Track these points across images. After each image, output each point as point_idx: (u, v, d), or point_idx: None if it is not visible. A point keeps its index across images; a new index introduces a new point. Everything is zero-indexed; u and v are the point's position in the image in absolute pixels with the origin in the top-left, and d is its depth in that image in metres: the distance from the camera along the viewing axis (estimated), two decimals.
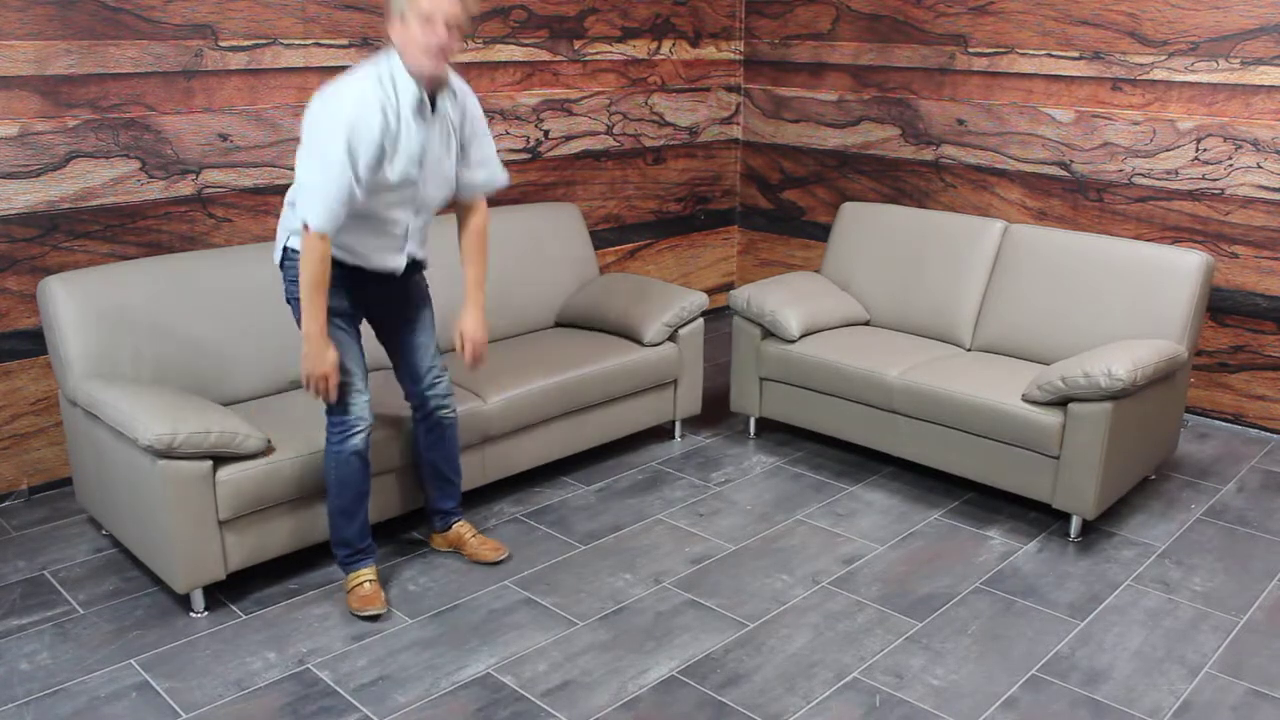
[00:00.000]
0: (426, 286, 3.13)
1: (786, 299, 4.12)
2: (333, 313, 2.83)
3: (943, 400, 3.63)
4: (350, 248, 2.83)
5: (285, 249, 2.88)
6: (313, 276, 2.69)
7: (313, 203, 2.65)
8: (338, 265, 2.81)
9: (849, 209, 4.53)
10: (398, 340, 3.10)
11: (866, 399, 3.85)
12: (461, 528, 3.36)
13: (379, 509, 3.34)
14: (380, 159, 2.67)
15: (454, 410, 3.22)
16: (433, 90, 2.75)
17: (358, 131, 2.61)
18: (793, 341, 4.06)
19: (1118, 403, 3.30)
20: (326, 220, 2.65)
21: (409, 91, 2.67)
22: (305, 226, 2.67)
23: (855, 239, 4.46)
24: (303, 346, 2.77)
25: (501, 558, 3.30)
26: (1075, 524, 3.49)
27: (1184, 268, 3.65)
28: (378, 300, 3.00)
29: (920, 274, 4.23)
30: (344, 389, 2.88)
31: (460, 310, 3.10)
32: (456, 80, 2.85)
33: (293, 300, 2.88)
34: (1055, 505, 3.46)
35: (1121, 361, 3.27)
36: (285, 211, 2.88)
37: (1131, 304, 3.70)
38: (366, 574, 3.05)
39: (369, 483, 3.03)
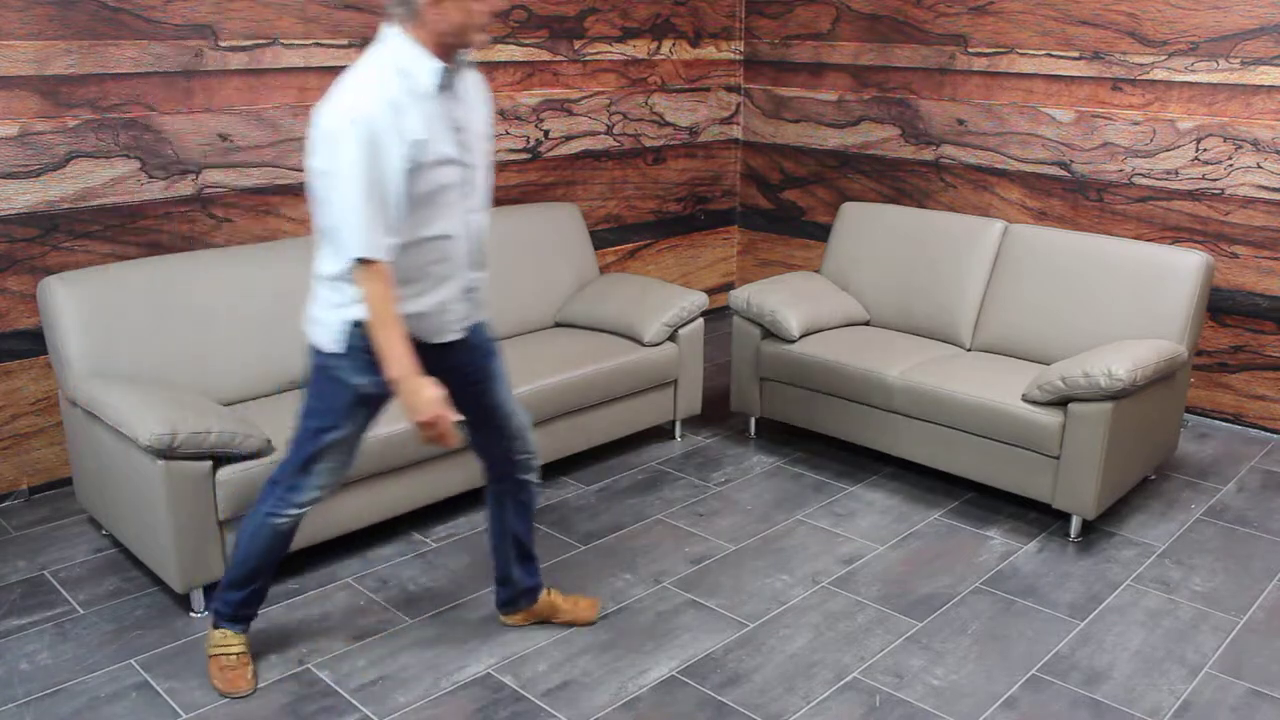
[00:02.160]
0: (491, 333, 2.71)
1: (786, 299, 4.12)
2: (369, 397, 2.51)
3: (943, 400, 3.63)
4: (436, 308, 2.48)
5: (350, 325, 2.41)
6: (382, 314, 2.32)
7: (350, 229, 2.28)
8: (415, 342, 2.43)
9: (849, 209, 4.53)
10: (472, 407, 2.66)
11: (866, 399, 3.85)
12: (551, 596, 2.99)
13: (378, 509, 3.34)
14: (412, 153, 2.30)
15: (538, 470, 2.85)
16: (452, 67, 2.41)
17: (374, 135, 2.25)
18: (793, 341, 4.06)
19: (1118, 403, 3.30)
20: (371, 242, 2.27)
21: (433, 71, 2.32)
22: (356, 263, 2.30)
23: (855, 239, 4.45)
24: (402, 397, 2.38)
25: (600, 613, 3.03)
26: (1075, 524, 3.49)
27: (1184, 268, 3.65)
28: (440, 373, 2.48)
29: (920, 274, 4.23)
30: (321, 454, 2.56)
31: None
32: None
33: (340, 373, 2.48)
34: (1055, 505, 3.46)
35: (1121, 361, 3.27)
36: (323, 290, 2.47)
37: (1131, 304, 3.70)
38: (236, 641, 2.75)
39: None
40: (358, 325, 2.40)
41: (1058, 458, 3.42)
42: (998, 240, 4.10)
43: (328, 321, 2.46)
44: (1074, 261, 3.87)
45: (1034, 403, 3.45)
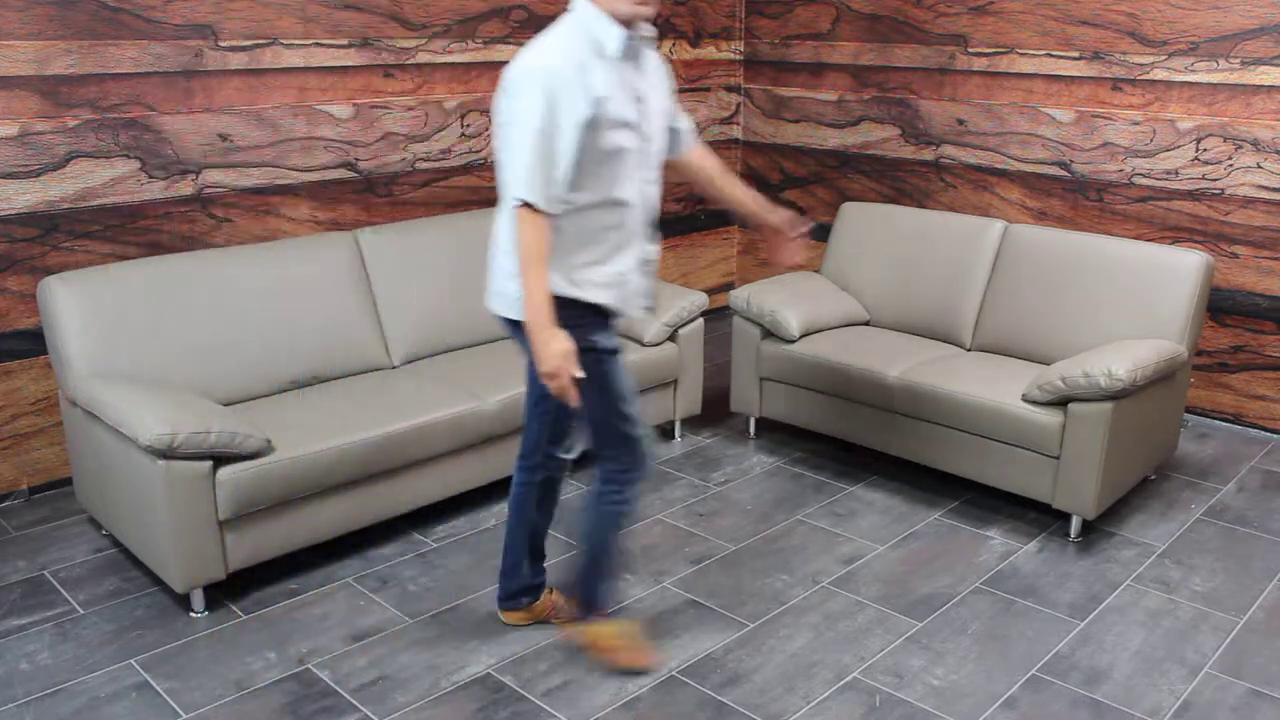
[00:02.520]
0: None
1: (786, 299, 4.12)
2: (609, 350, 2.57)
3: (942, 400, 3.63)
4: (616, 279, 2.55)
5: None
6: (532, 255, 2.36)
7: (517, 173, 2.35)
8: (605, 313, 2.56)
9: (849, 209, 4.53)
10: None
11: (866, 399, 3.84)
12: (553, 596, 3.00)
13: (378, 509, 3.34)
14: (593, 109, 2.36)
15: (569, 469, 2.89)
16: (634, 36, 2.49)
17: (556, 88, 2.32)
18: (793, 341, 4.06)
19: (1118, 403, 3.30)
20: (534, 187, 2.33)
21: (618, 36, 2.40)
22: (518, 207, 2.36)
23: (855, 239, 4.45)
24: (534, 344, 2.41)
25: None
26: (1075, 524, 3.49)
27: (1184, 268, 3.65)
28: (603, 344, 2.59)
29: (920, 274, 4.23)
30: (572, 420, 2.66)
31: (754, 222, 2.88)
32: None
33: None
34: (1055, 505, 3.46)
35: (1121, 361, 3.27)
36: (503, 259, 2.56)
37: (1131, 304, 3.70)
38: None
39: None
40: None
41: (1058, 458, 3.42)
42: (998, 240, 4.09)
43: (509, 291, 2.53)
44: (1074, 261, 3.87)
45: (1034, 403, 3.45)
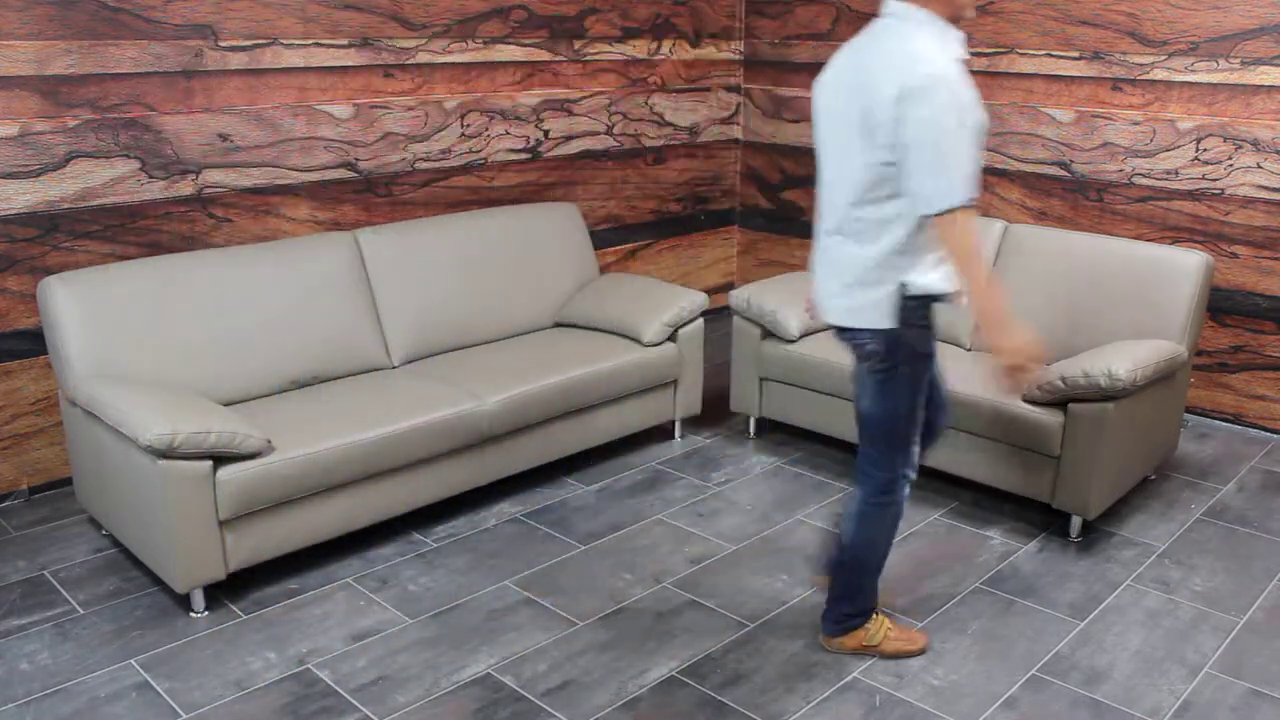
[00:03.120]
0: None
1: (787, 299, 4.12)
2: (928, 358, 2.60)
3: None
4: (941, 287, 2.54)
5: (904, 301, 2.49)
6: (980, 251, 2.39)
7: (957, 175, 2.33)
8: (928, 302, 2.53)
9: None
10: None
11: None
12: (880, 620, 2.91)
13: (378, 509, 3.34)
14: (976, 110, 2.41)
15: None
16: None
17: (959, 91, 2.33)
18: (793, 341, 4.06)
19: (1118, 403, 3.30)
20: (973, 188, 2.36)
21: (961, 40, 2.46)
22: (951, 212, 2.33)
23: None
24: (1002, 336, 2.42)
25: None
26: (1075, 524, 3.49)
27: (1184, 268, 3.65)
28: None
29: None
30: (912, 434, 2.65)
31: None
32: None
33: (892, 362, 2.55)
34: (1055, 505, 3.46)
35: (1122, 361, 3.27)
36: (869, 272, 2.51)
37: (1131, 304, 3.70)
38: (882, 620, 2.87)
39: None
40: (912, 294, 2.49)
41: (1058, 458, 3.41)
42: (998, 240, 4.09)
43: (880, 299, 2.51)
44: (1074, 261, 3.86)
45: (1034, 403, 3.45)
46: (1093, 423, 3.32)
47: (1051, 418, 3.40)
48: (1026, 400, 3.46)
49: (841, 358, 3.91)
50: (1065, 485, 3.42)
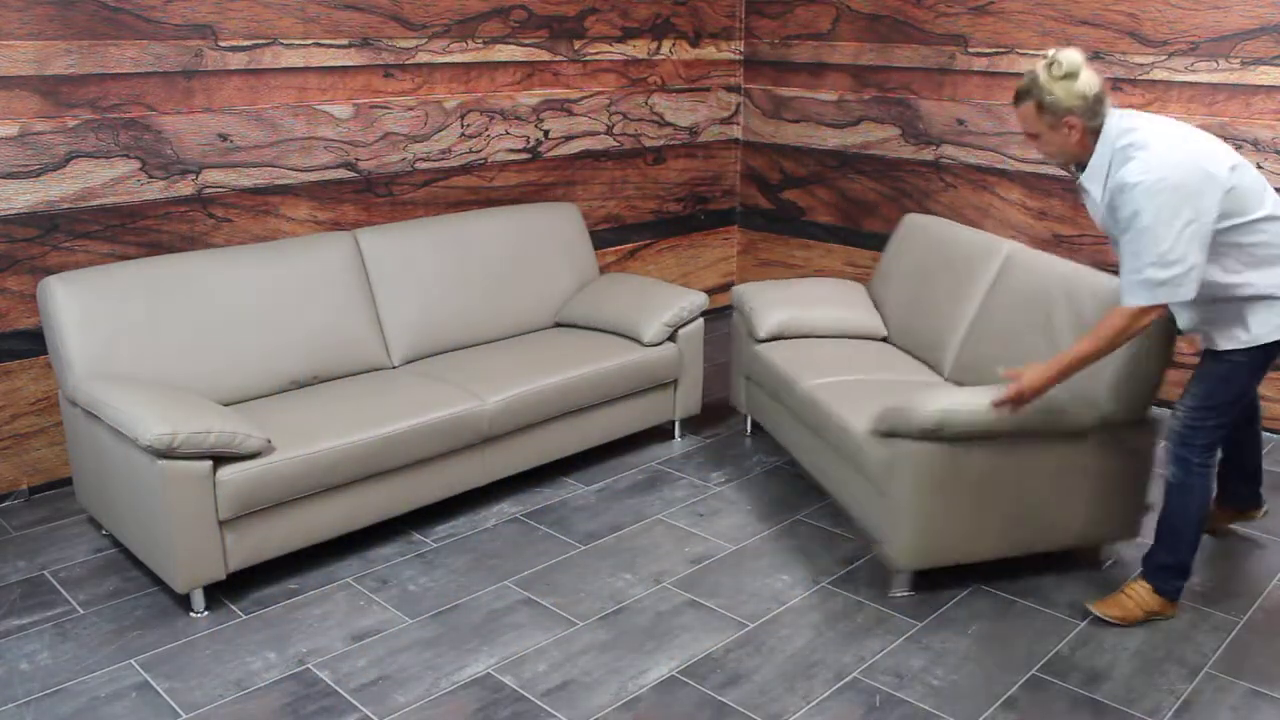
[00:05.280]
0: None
1: (775, 300, 4.09)
2: None
3: (821, 416, 3.45)
4: None
5: None
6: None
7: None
8: None
9: (911, 221, 4.26)
10: None
11: (788, 405, 3.75)
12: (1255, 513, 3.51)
13: (378, 509, 3.34)
14: None
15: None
16: (1080, 166, 2.87)
17: None
18: (760, 341, 4.03)
19: (946, 445, 2.91)
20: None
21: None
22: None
23: (898, 253, 4.23)
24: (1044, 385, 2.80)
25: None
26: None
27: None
28: None
29: (928, 294, 3.96)
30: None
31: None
32: (1119, 168, 2.69)
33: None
34: (880, 549, 3.19)
35: (945, 400, 2.91)
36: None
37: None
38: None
39: None
40: None
41: (884, 495, 3.08)
42: (998, 266, 3.70)
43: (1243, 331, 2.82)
44: (1055, 292, 3.35)
45: (875, 432, 3.08)
46: (908, 462, 2.97)
47: (882, 450, 3.06)
48: (871, 430, 3.13)
49: (779, 361, 3.83)
50: (890, 526, 3.08)
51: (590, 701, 2.66)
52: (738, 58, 5.77)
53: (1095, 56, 4.52)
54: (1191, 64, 4.28)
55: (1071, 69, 2.69)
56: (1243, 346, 2.79)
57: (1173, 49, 4.32)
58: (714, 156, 5.81)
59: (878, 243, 5.42)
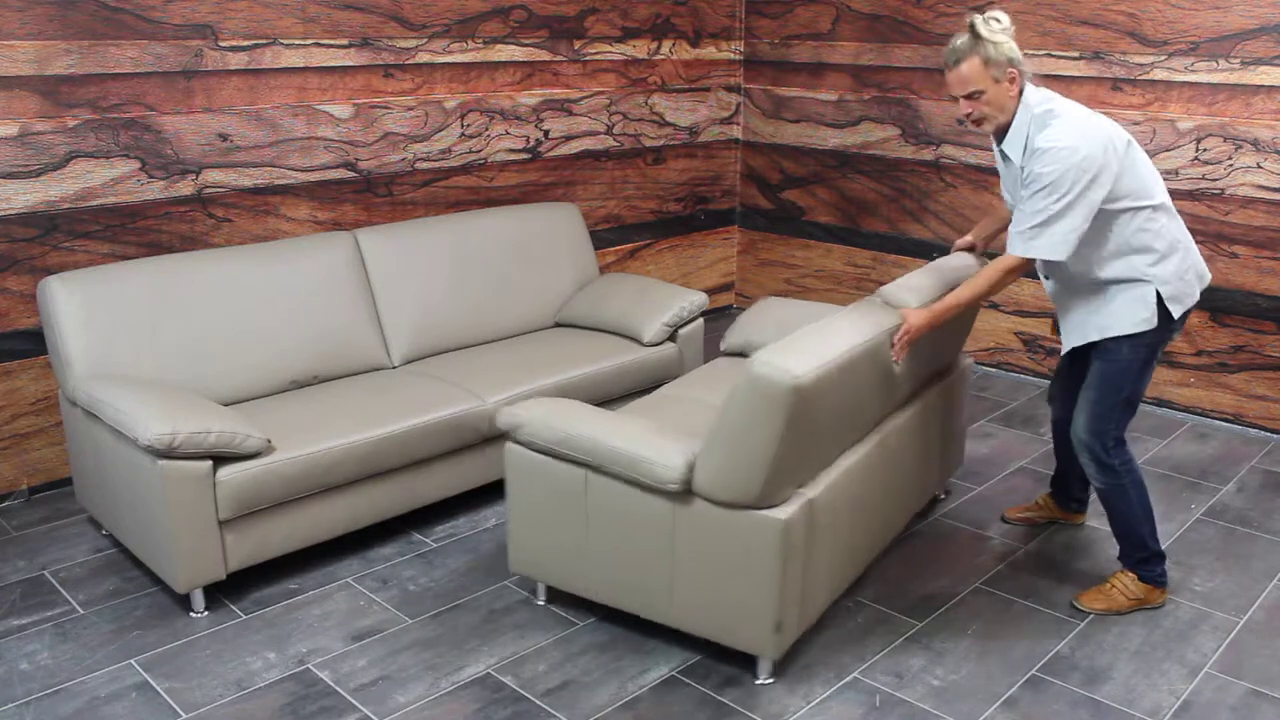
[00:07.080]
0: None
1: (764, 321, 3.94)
2: None
3: None
4: None
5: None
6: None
7: None
8: None
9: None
10: None
11: None
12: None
13: (378, 509, 3.34)
14: None
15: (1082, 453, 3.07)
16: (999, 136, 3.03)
17: None
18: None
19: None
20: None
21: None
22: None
23: None
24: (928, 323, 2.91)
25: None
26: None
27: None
28: None
29: None
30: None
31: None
32: (1038, 133, 2.87)
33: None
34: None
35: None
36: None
37: None
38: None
39: None
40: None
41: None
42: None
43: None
44: None
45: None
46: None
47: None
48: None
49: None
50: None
51: (590, 701, 2.66)
52: (738, 58, 5.77)
53: (1095, 56, 4.52)
54: (1191, 64, 4.28)
55: (1006, 23, 2.81)
56: (1110, 336, 2.92)
57: (1173, 49, 4.32)
58: (714, 156, 5.81)
59: (878, 243, 5.43)
